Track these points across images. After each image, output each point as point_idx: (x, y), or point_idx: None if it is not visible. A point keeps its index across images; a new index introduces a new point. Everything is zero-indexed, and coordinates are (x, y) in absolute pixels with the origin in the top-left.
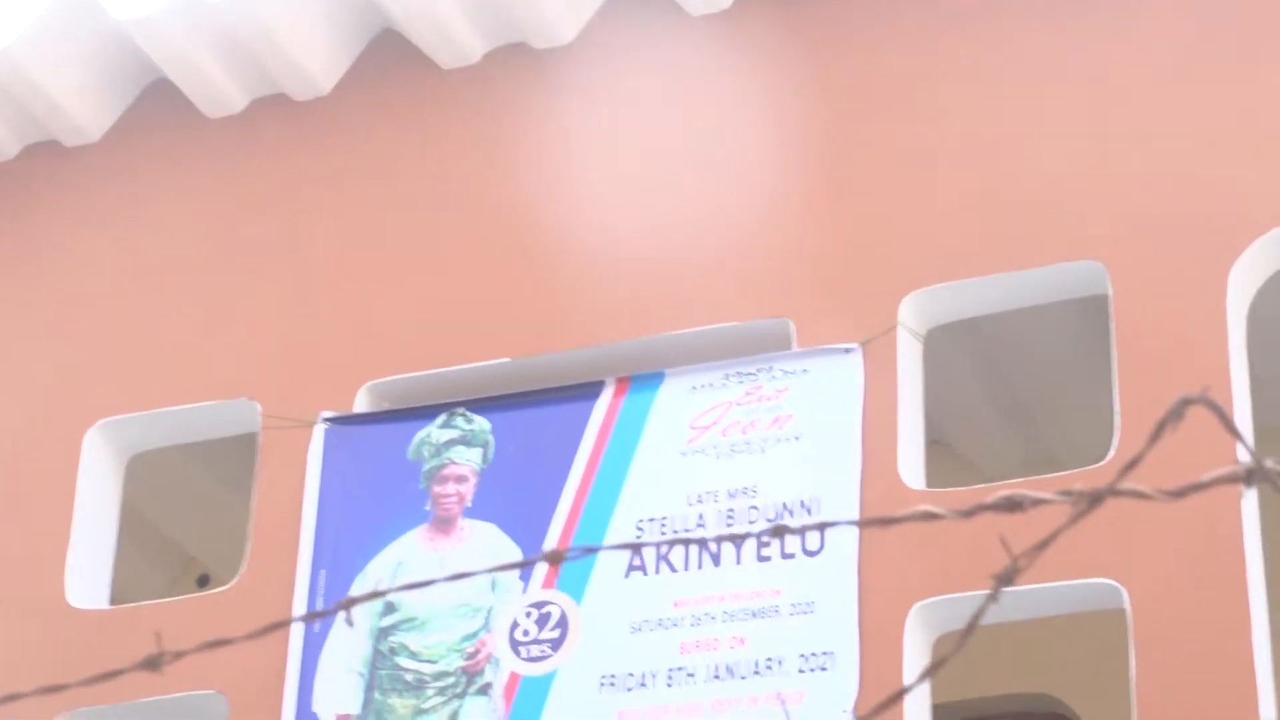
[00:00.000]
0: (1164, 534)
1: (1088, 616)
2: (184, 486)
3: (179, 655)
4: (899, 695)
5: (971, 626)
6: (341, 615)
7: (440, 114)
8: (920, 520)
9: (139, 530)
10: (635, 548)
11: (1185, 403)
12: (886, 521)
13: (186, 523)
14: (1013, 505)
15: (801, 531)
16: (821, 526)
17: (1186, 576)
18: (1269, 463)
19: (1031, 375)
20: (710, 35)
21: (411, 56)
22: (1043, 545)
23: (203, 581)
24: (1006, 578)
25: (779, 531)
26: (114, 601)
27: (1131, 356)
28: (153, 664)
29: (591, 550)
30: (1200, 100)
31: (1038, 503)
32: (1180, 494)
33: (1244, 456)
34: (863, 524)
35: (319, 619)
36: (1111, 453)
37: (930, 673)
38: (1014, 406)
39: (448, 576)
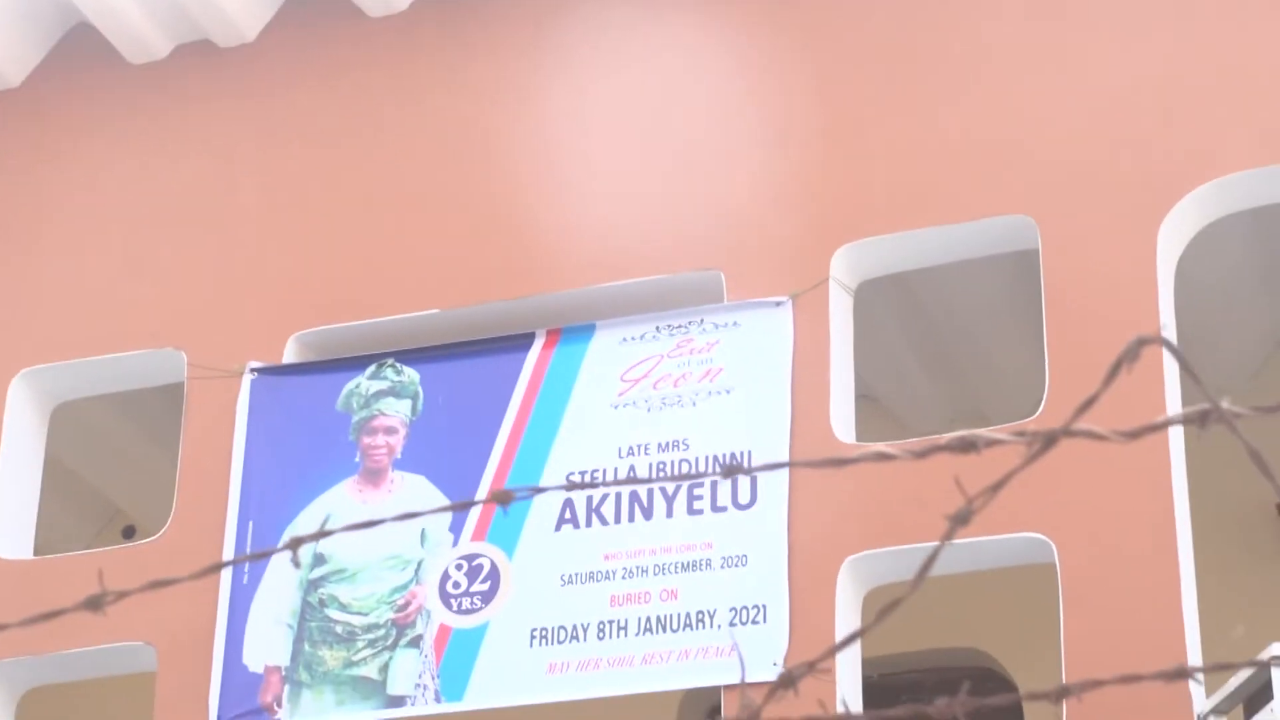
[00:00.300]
0: (1093, 488)
1: (1015, 571)
2: (108, 437)
3: (122, 595)
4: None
5: (925, 570)
6: (286, 556)
7: (365, 65)
8: (874, 460)
9: (63, 481)
10: (587, 487)
11: (1141, 343)
12: (840, 463)
13: (111, 474)
14: (967, 446)
15: (752, 472)
16: (774, 467)
17: (1115, 531)
18: (1225, 403)
19: (958, 331)
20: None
21: (336, 4)
22: (997, 486)
23: (128, 533)
24: (962, 518)
25: (731, 472)
26: (38, 553)
27: (1061, 311)
28: (95, 604)
29: (540, 491)
30: (1131, 56)
31: (991, 443)
32: (1135, 435)
33: (1174, 406)
34: (819, 464)
35: (258, 559)
36: (1041, 407)
37: (884, 616)
38: (940, 362)
39: (396, 516)
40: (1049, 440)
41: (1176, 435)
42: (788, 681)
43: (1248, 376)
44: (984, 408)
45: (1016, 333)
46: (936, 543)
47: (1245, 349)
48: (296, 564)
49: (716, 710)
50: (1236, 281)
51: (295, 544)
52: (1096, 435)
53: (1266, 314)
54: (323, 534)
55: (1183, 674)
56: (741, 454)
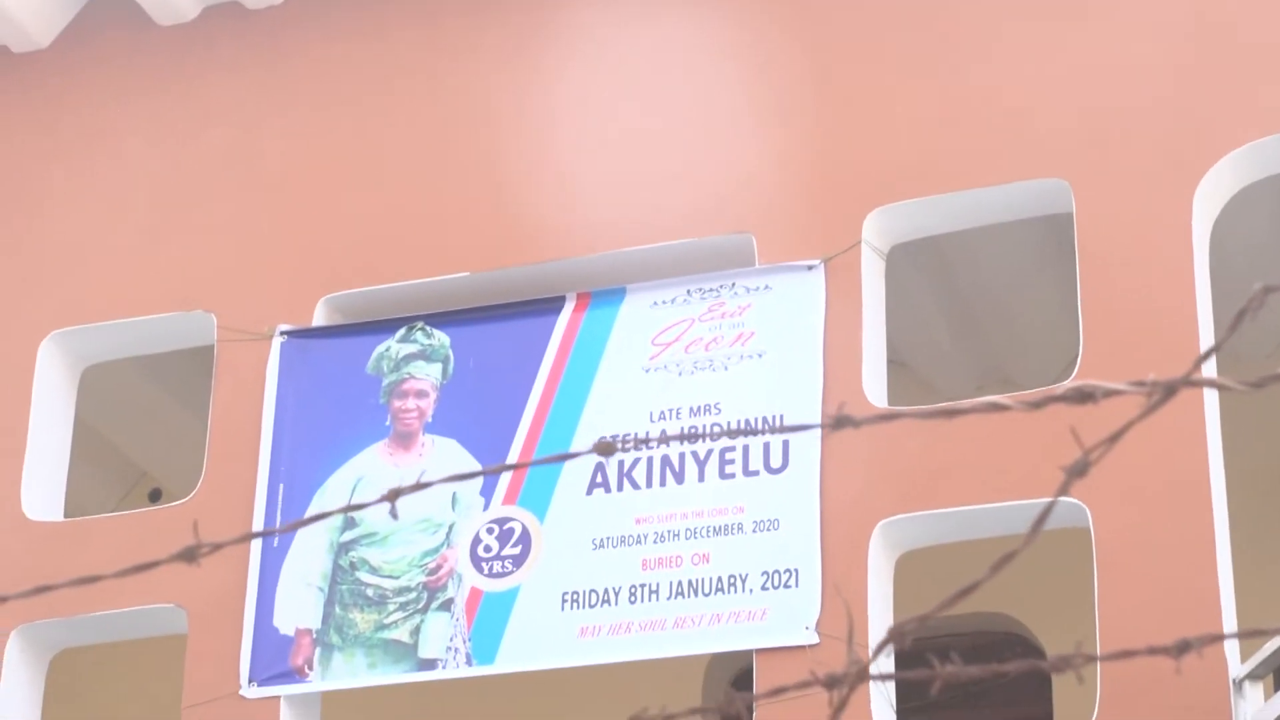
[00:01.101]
0: (1127, 453)
1: (1046, 537)
2: (134, 399)
3: (217, 546)
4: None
5: (1037, 527)
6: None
7: (398, 27)
8: (987, 411)
9: (88, 444)
10: (687, 439)
11: (1268, 290)
12: (951, 412)
13: (137, 436)
14: (1084, 396)
15: (862, 424)
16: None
17: (1149, 495)
18: None
19: (985, 295)
20: None
21: None
22: (1115, 438)
23: (154, 496)
24: (1079, 469)
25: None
26: (67, 515)
27: (1095, 275)
28: (190, 555)
29: (643, 443)
30: (1166, 18)
31: (1110, 393)
32: (1260, 384)
33: (1209, 362)
34: (924, 413)
35: (354, 510)
36: (1076, 369)
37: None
38: (967, 325)
39: (504, 466)
40: (1169, 390)
41: (1211, 397)
42: (897, 636)
43: (1278, 342)
44: (1010, 371)
45: (1042, 296)
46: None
47: (1277, 312)
48: (395, 515)
49: (743, 675)
50: (1268, 244)
51: (394, 495)
52: (1223, 386)
53: None
54: (420, 486)
55: (1186, 648)
56: (773, 417)
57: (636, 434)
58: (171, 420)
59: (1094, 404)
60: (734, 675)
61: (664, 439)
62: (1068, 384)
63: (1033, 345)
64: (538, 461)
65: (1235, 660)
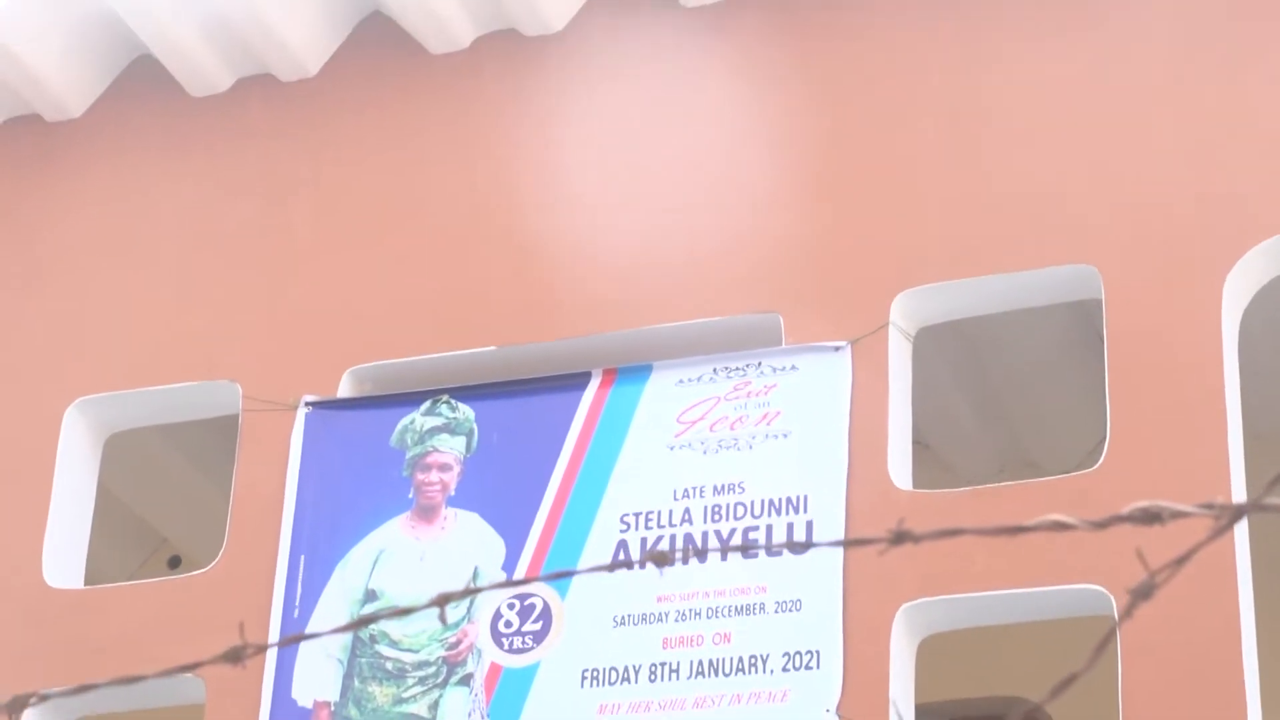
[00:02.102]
0: (1153, 541)
1: (1069, 622)
2: (155, 467)
3: (260, 649)
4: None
5: (1102, 646)
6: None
7: (429, 99)
8: (1050, 530)
9: (108, 509)
10: (740, 550)
11: None
12: (1015, 529)
13: (158, 504)
14: (1151, 517)
15: (923, 538)
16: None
17: (1175, 585)
18: None
19: (1009, 378)
20: (701, 28)
21: (400, 40)
22: (1181, 561)
23: (174, 563)
24: (1144, 591)
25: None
26: (86, 582)
27: (1123, 362)
28: (235, 657)
29: (701, 553)
30: (1197, 108)
31: (1177, 515)
32: None
33: (1237, 460)
34: (991, 532)
35: (401, 615)
36: (1102, 458)
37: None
38: (990, 409)
39: (551, 575)
40: (1236, 514)
41: (1239, 475)
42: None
43: None
44: (1034, 454)
45: (1065, 381)
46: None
47: None
48: (443, 620)
49: None
50: None
51: (442, 601)
52: None
53: None
54: (471, 591)
55: None
56: (797, 499)
57: (692, 541)
58: (192, 489)
59: (1160, 525)
60: None
61: (724, 548)
62: (1134, 506)
63: (1056, 429)
64: (587, 570)
65: None
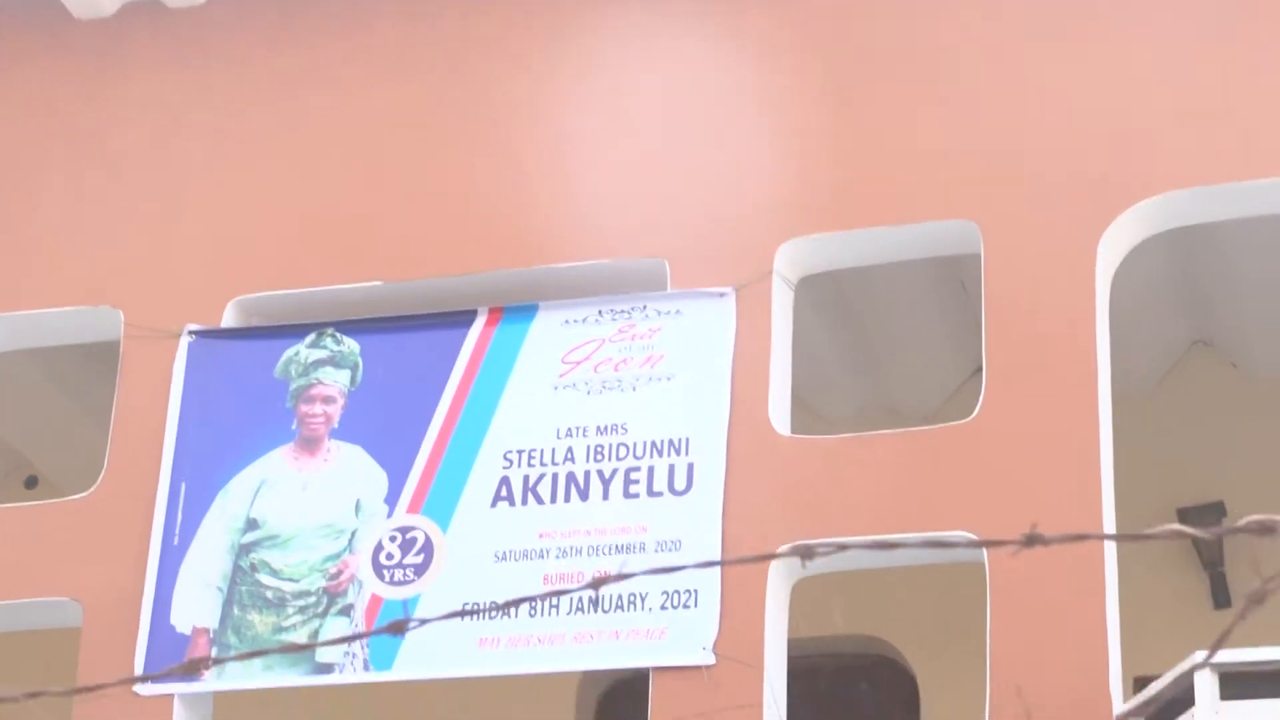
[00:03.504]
0: (1021, 488)
1: (930, 569)
2: (21, 392)
3: (219, 661)
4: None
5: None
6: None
7: (321, 31)
8: (1170, 538)
9: None
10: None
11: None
12: (1137, 537)
13: (21, 428)
14: (1265, 530)
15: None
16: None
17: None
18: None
19: (871, 324)
20: None
21: None
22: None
23: (30, 483)
24: (1258, 598)
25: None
26: None
27: (1000, 316)
28: (193, 668)
29: (842, 548)
30: (1079, 70)
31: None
32: None
33: (1105, 394)
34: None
35: (745, 562)
36: (978, 408)
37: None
38: (852, 354)
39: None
40: None
41: (1107, 432)
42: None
43: (1155, 381)
44: (892, 400)
45: (926, 330)
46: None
47: (1154, 356)
48: (804, 564)
49: (611, 690)
50: (1150, 290)
51: (805, 551)
52: None
53: (1175, 323)
54: (623, 576)
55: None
56: (679, 441)
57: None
58: (60, 415)
59: (1273, 537)
60: (602, 691)
61: (860, 544)
62: (1250, 518)
63: (915, 376)
64: (692, 565)
65: (1119, 700)
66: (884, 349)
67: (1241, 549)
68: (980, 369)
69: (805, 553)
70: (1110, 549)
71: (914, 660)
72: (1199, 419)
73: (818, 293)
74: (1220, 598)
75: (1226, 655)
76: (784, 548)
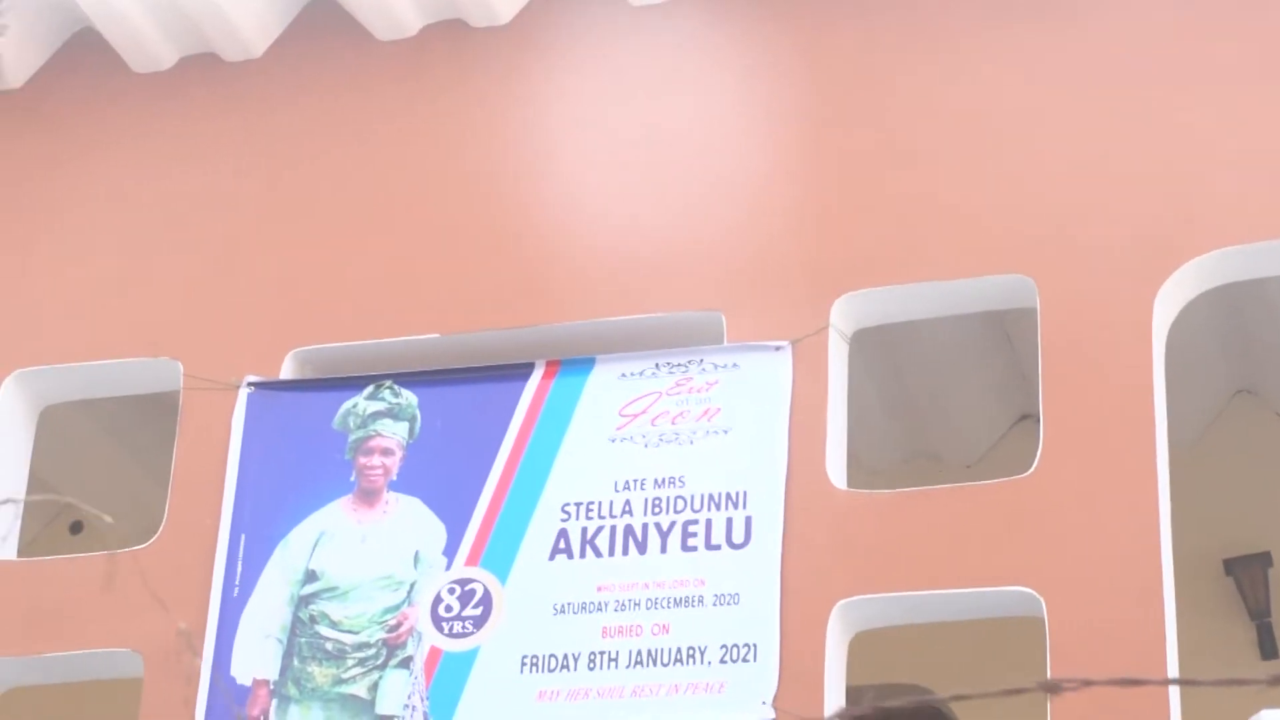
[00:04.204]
0: (1082, 544)
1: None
2: (76, 444)
3: None
4: None
5: None
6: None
7: (375, 84)
8: (1224, 685)
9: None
10: None
11: None
12: (1193, 682)
13: (75, 479)
14: None
15: None
16: None
17: (1102, 587)
18: None
19: (916, 372)
20: (650, 26)
21: (347, 25)
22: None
23: (75, 529)
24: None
25: None
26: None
27: (1057, 371)
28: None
29: (1062, 685)
30: (1136, 124)
31: None
32: None
33: (1163, 455)
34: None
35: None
36: (1036, 463)
37: None
38: (897, 401)
39: None
40: None
41: (1164, 487)
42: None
43: (1200, 431)
44: (935, 448)
45: (970, 379)
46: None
47: (1198, 406)
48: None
49: None
50: (1195, 339)
51: (1050, 687)
52: None
53: (1219, 373)
54: (1085, 683)
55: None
56: (737, 494)
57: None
58: (116, 467)
59: None
60: None
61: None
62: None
63: (958, 424)
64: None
65: None
66: (927, 398)
67: None
68: (1024, 417)
69: (1050, 688)
70: (1170, 601)
71: (961, 713)
72: (1244, 469)
73: (862, 341)
74: (1268, 648)
75: None
76: (1034, 684)
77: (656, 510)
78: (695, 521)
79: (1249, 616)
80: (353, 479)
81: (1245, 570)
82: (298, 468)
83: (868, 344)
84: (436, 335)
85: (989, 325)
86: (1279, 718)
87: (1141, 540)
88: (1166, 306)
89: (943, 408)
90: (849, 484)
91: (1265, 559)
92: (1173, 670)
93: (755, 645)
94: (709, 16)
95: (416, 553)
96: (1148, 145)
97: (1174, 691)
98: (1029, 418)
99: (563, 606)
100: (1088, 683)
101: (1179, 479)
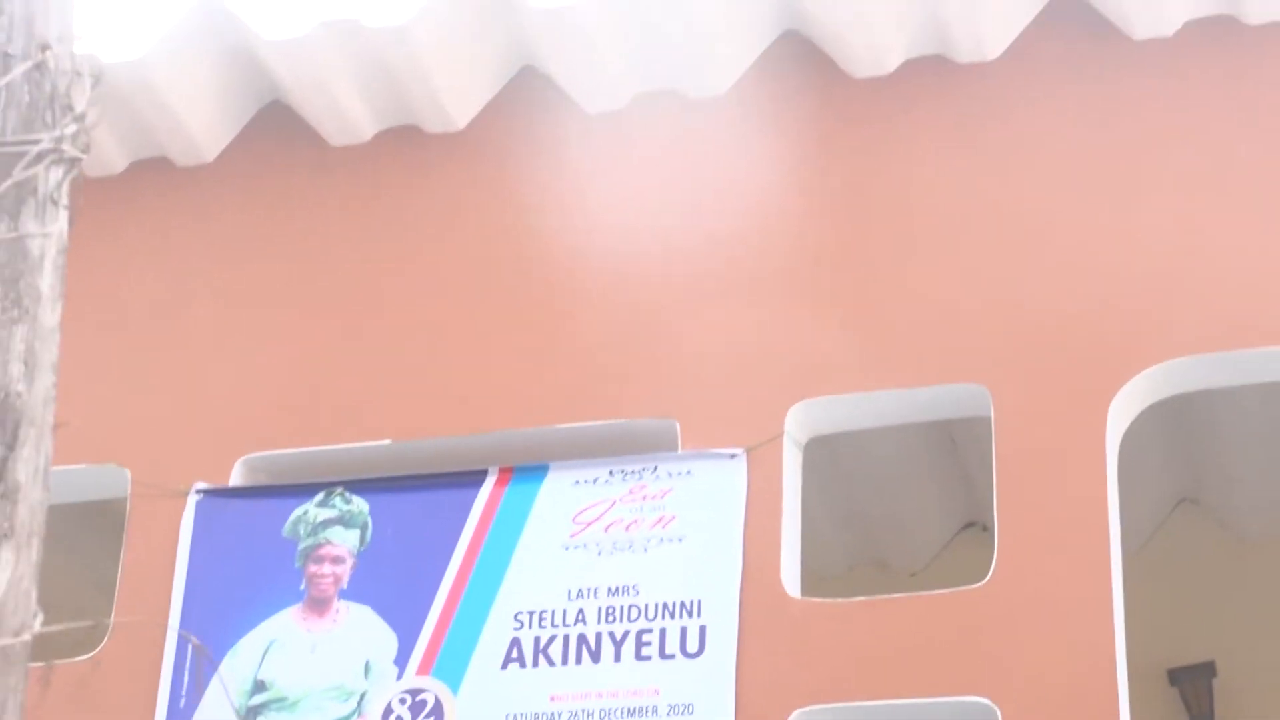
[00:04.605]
0: (1036, 654)
1: None
2: None
3: None
4: None
5: None
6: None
7: (327, 190)
8: None
9: None
10: None
11: None
12: None
13: None
14: None
15: None
16: None
17: (1057, 696)
18: None
19: (861, 479)
20: (604, 132)
21: (299, 129)
22: None
23: None
24: None
25: None
26: None
27: (1010, 480)
28: None
29: None
30: (1088, 234)
31: None
32: None
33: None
34: None
35: None
36: (990, 573)
37: None
38: (842, 508)
39: None
40: None
41: (1118, 597)
42: None
43: (1144, 539)
44: (882, 554)
45: (915, 486)
46: (883, 701)
47: (1141, 515)
48: None
49: None
50: (1138, 448)
51: None
52: None
53: (1162, 482)
54: None
55: None
56: (691, 603)
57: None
58: (61, 573)
59: None
60: None
61: None
62: None
63: (907, 533)
64: None
65: None
66: (873, 504)
67: (1232, 708)
68: (969, 525)
69: None
70: (1125, 703)
71: None
72: (1188, 578)
73: (807, 448)
74: None
75: None
76: None
77: (610, 619)
78: (649, 630)
79: None
80: (303, 587)
81: (1190, 680)
82: (247, 576)
83: (812, 451)
84: (388, 441)
85: (935, 432)
86: None
87: (1097, 650)
88: (1120, 415)
89: (888, 515)
90: (817, 599)
91: (1209, 669)
92: None
93: None
94: (662, 123)
95: (367, 662)
96: (1106, 256)
97: None
98: (974, 525)
99: (516, 716)
100: None
101: (1124, 588)
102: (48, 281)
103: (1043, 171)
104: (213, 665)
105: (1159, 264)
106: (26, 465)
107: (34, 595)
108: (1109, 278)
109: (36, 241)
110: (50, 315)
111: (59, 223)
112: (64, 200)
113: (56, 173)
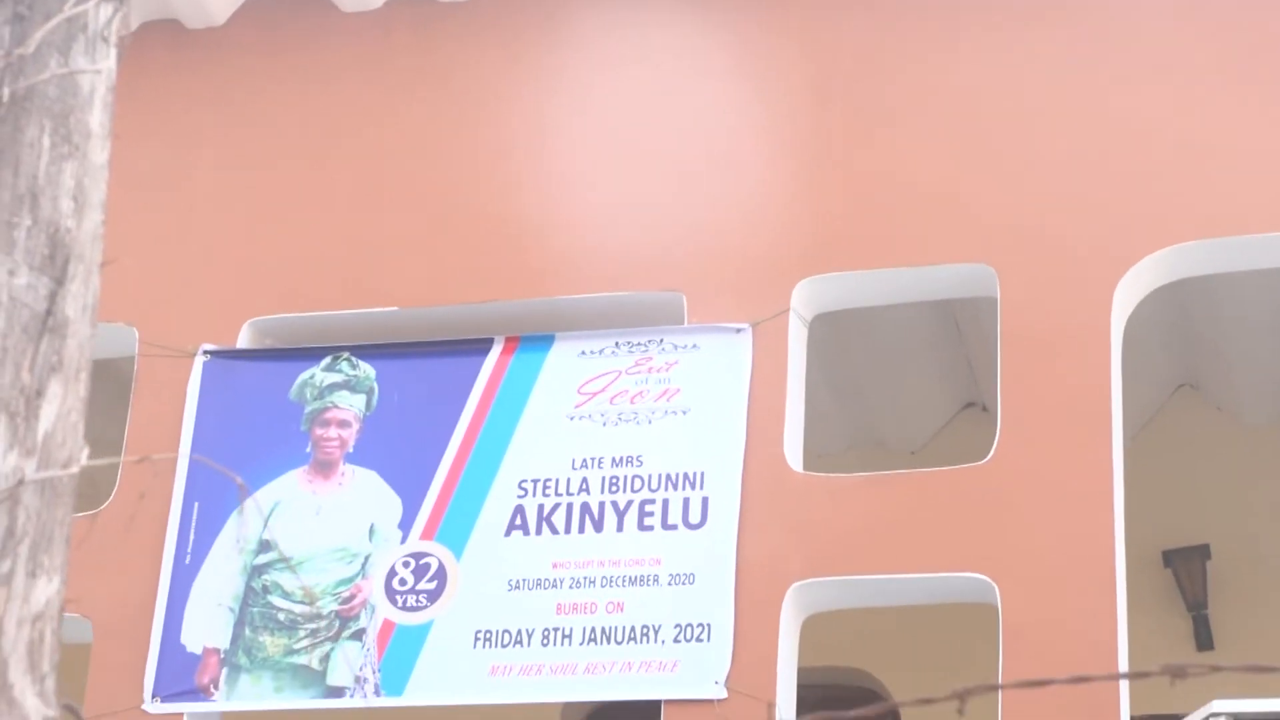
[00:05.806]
0: (1035, 533)
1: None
2: None
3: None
4: None
5: None
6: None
7: (337, 57)
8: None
9: None
10: None
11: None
12: (1266, 670)
13: None
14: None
15: None
16: None
17: (1056, 575)
18: None
19: (864, 361)
20: (616, 13)
21: None
22: None
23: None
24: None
25: None
26: None
27: (1015, 360)
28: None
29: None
30: (1098, 120)
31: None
32: None
33: (1118, 415)
34: None
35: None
36: (993, 450)
37: None
38: (843, 388)
39: None
40: None
41: (1119, 477)
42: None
43: (1141, 424)
44: (880, 434)
45: (917, 368)
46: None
47: (1141, 399)
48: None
49: (596, 715)
50: (1138, 333)
51: (1176, 671)
52: None
53: (1162, 367)
54: (990, 687)
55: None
56: (694, 475)
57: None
58: None
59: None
60: (587, 714)
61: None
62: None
63: (907, 413)
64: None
65: None
66: (873, 383)
67: (1226, 590)
68: (968, 405)
69: (1177, 672)
70: (1122, 591)
71: (897, 695)
72: (1184, 462)
73: (811, 325)
74: (1204, 639)
75: (1239, 705)
76: (1155, 667)
77: (614, 489)
78: (652, 501)
79: (1186, 608)
80: (308, 450)
81: (1184, 562)
82: (253, 438)
83: (816, 328)
84: (395, 308)
85: (938, 313)
86: (1230, 706)
87: (1095, 531)
88: (1124, 300)
89: (889, 394)
90: (819, 474)
91: (1204, 551)
92: (1123, 662)
93: (709, 625)
94: (676, 7)
95: (372, 525)
96: (1112, 141)
97: (1124, 666)
98: (973, 406)
99: (517, 582)
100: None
101: (1144, 468)
102: (97, 119)
103: (1052, 58)
104: (247, 492)
105: (1165, 150)
106: (75, 301)
107: (80, 428)
108: (1116, 163)
109: (87, 78)
110: (100, 153)
111: (109, 60)
112: (113, 37)
113: (106, 9)
